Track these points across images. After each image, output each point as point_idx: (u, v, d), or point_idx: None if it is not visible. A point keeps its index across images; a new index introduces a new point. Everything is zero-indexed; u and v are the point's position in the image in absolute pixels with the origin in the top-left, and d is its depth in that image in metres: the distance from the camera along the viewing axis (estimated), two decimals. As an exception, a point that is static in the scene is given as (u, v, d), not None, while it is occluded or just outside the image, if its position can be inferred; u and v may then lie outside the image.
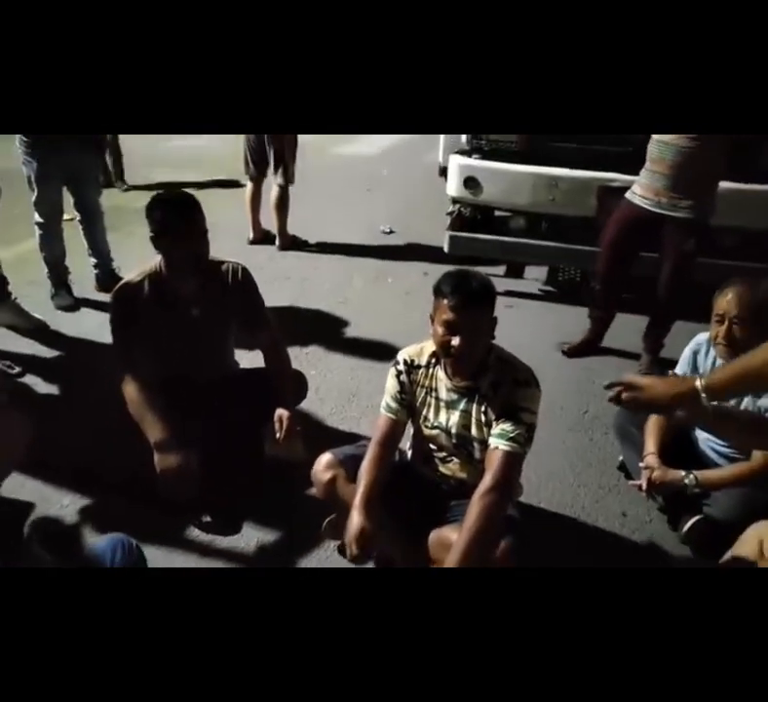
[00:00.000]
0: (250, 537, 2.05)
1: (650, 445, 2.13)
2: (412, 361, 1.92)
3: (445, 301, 1.71)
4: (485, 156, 3.62)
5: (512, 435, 1.71)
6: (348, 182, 5.93)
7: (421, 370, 1.90)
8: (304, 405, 2.50)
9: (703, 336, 2.15)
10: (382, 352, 3.20)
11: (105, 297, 3.55)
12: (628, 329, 3.25)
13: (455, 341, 1.72)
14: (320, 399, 2.73)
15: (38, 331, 3.18)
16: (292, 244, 4.38)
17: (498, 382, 1.78)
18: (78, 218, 3.45)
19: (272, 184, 4.18)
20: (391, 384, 1.94)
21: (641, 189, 2.83)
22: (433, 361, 1.89)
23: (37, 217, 3.27)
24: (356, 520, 1.74)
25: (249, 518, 2.12)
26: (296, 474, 2.20)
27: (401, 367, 1.92)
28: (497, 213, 4.51)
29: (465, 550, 1.65)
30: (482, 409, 1.80)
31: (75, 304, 3.43)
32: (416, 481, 1.97)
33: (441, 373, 1.88)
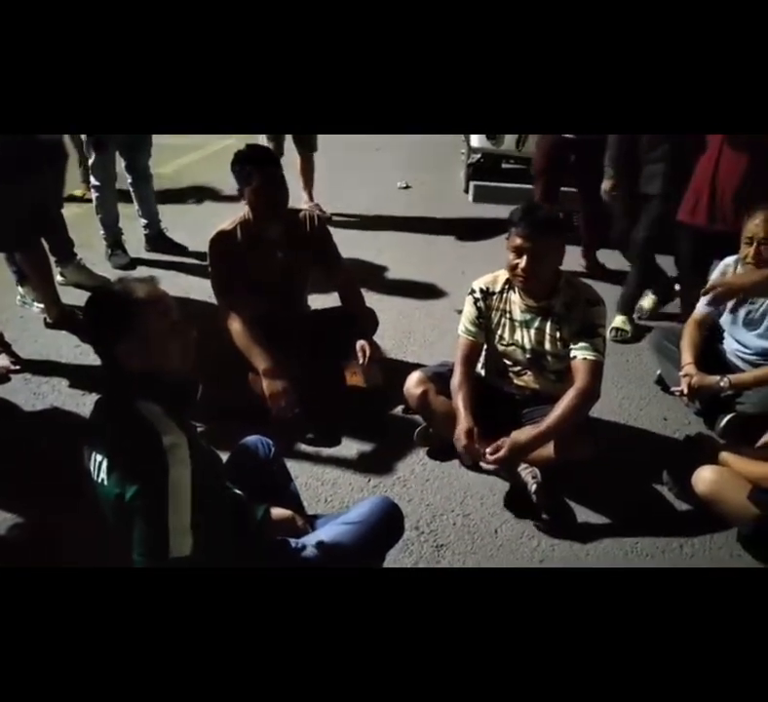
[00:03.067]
0: (350, 447, 2.36)
1: (687, 356, 2.45)
2: (487, 288, 2.20)
3: (514, 229, 2.00)
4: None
5: (595, 347, 2.01)
6: (355, 143, 6.07)
7: (496, 296, 2.19)
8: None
9: (730, 259, 2.45)
10: (425, 295, 3.49)
11: (156, 257, 3.81)
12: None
13: (521, 263, 2.01)
14: (381, 337, 3.00)
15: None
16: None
17: (571, 303, 2.08)
18: (129, 181, 3.64)
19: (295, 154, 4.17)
20: (469, 310, 2.22)
21: None
22: (507, 287, 2.18)
23: (94, 181, 3.45)
24: (464, 422, 2.04)
25: (345, 433, 2.42)
26: (378, 397, 2.52)
27: (477, 294, 2.21)
28: (504, 165, 4.79)
29: (548, 427, 1.96)
30: (557, 326, 2.10)
31: (132, 263, 3.64)
32: (491, 393, 2.28)
33: (514, 297, 2.17)
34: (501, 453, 1.95)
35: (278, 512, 1.65)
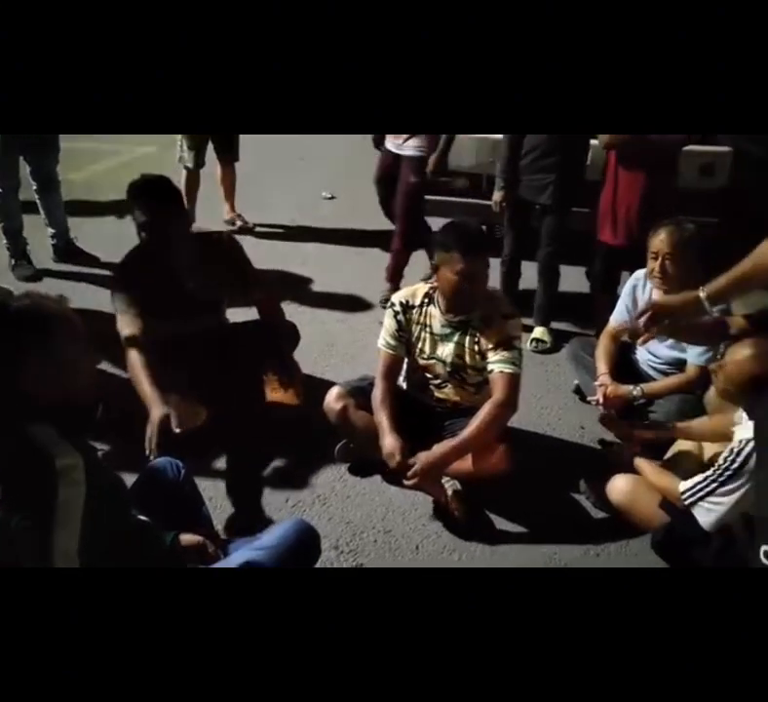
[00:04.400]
0: (267, 466, 2.29)
1: (602, 366, 2.51)
2: (407, 302, 2.19)
3: (456, 253, 1.97)
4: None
5: (512, 360, 2.02)
6: (278, 153, 5.99)
7: (415, 310, 2.18)
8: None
9: (640, 272, 2.53)
10: (348, 306, 3.46)
11: (64, 268, 3.62)
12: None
13: (470, 286, 1.99)
14: (302, 350, 2.94)
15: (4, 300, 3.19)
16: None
17: (488, 316, 2.08)
18: (34, 188, 3.44)
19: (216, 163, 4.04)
20: (389, 324, 2.20)
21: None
22: (426, 301, 2.18)
23: (-6, 188, 3.25)
24: (390, 439, 2.02)
25: (262, 450, 2.35)
26: (297, 413, 2.45)
27: (397, 308, 2.19)
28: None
29: (464, 440, 1.97)
30: (475, 339, 2.11)
31: (37, 274, 3.45)
32: (413, 406, 2.26)
33: (434, 311, 2.16)
34: (416, 468, 1.93)
35: (188, 538, 1.58)
